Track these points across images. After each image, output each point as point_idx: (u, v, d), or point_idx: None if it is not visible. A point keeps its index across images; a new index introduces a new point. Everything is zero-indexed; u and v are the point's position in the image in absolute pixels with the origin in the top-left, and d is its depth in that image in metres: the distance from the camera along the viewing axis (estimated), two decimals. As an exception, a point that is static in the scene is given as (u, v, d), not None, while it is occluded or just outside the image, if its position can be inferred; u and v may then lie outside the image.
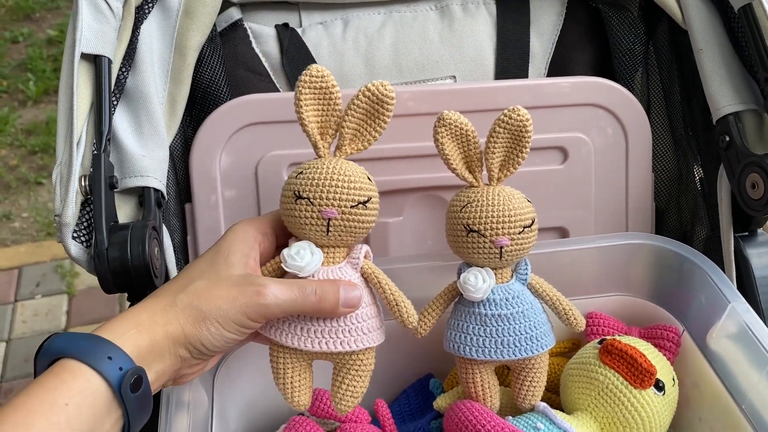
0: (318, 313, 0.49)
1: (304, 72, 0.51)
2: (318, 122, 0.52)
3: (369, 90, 0.51)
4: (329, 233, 0.50)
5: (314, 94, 0.51)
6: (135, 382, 0.41)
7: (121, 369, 0.41)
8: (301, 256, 0.50)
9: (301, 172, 0.51)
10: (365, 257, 0.53)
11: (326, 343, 0.50)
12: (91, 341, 0.42)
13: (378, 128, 0.52)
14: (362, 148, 0.53)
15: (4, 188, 2.09)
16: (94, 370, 0.40)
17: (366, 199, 0.50)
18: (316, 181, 0.49)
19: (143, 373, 0.42)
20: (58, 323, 1.73)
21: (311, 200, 0.49)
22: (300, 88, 0.51)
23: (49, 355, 0.42)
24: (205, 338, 0.45)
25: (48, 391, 0.39)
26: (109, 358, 0.41)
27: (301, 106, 0.51)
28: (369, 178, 0.52)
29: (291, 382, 0.52)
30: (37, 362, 0.42)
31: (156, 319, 0.44)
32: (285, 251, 0.50)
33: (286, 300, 0.47)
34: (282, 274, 0.52)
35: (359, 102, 0.51)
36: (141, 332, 0.43)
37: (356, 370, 0.52)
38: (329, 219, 0.49)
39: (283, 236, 0.53)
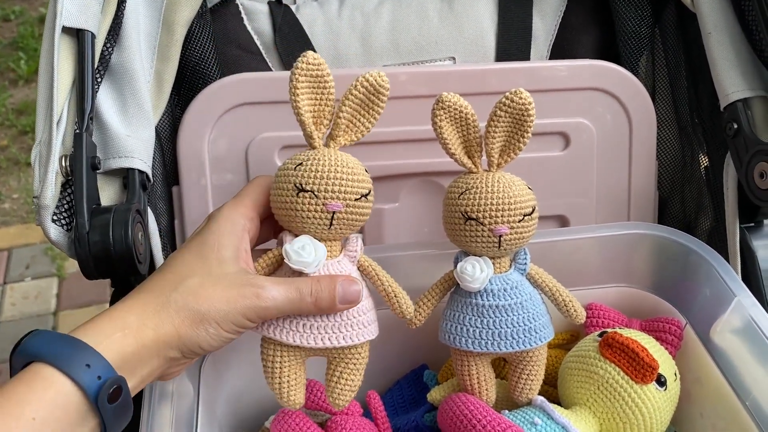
0: (317, 312, 0.48)
1: (299, 59, 0.48)
2: (313, 111, 0.50)
3: (367, 80, 0.50)
4: (332, 227, 0.48)
5: (310, 82, 0.49)
6: (114, 392, 0.39)
7: (99, 378, 0.38)
8: (308, 252, 0.48)
9: (301, 164, 0.48)
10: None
11: (329, 339, 0.49)
12: (70, 345, 0.39)
13: (371, 119, 0.51)
14: (355, 138, 0.51)
15: (-6, 168, 2.06)
16: (69, 379, 0.38)
17: (367, 191, 0.50)
18: (320, 173, 0.48)
19: (123, 383, 0.40)
20: (47, 306, 1.71)
21: (315, 193, 0.47)
22: (296, 76, 0.49)
23: (24, 356, 0.39)
24: (203, 339, 0.43)
25: (16, 403, 0.37)
26: (88, 365, 0.38)
27: (297, 95, 0.49)
28: (366, 170, 0.51)
29: (287, 381, 0.51)
30: (13, 360, 0.39)
31: (146, 322, 0.42)
32: (288, 247, 0.48)
33: (284, 302, 0.46)
34: (276, 267, 0.50)
35: (356, 93, 0.50)
36: (127, 336, 0.41)
37: (354, 364, 0.51)
38: (333, 212, 0.48)
39: (265, 215, 0.51)
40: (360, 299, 0.49)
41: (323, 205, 0.47)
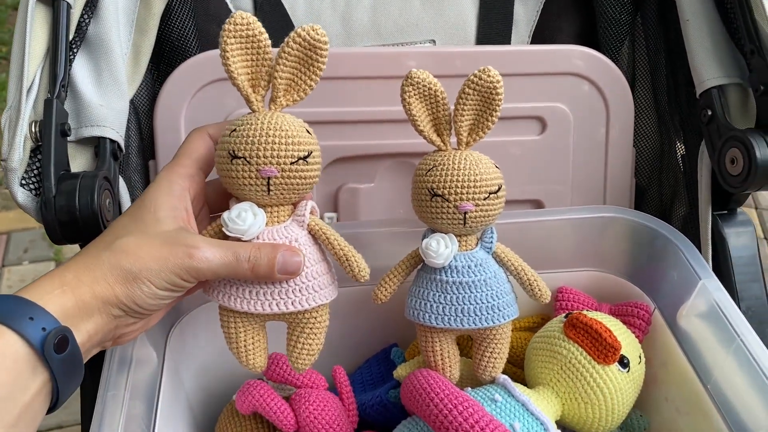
0: (254, 278, 0.47)
1: (227, 20, 0.46)
2: (248, 74, 0.48)
3: (299, 35, 0.47)
4: (270, 192, 0.47)
5: (241, 43, 0.47)
6: (59, 342, 0.39)
7: (44, 329, 0.39)
8: (243, 218, 0.47)
9: (235, 129, 0.47)
10: (311, 213, 0.50)
11: (277, 305, 0.48)
12: (12, 302, 0.39)
13: (313, 76, 0.48)
14: (298, 99, 0.49)
15: (-4, 153, 2.07)
16: (13, 332, 0.38)
17: (306, 153, 0.47)
18: (251, 138, 0.46)
19: (69, 333, 0.40)
20: (43, 289, 1.71)
21: (248, 159, 0.46)
22: (224, 38, 0.46)
23: None
24: (138, 297, 0.43)
25: None
26: (31, 318, 0.39)
27: (228, 58, 0.47)
28: (308, 131, 0.48)
29: (245, 346, 0.51)
30: None
31: (82, 278, 0.42)
32: (225, 215, 0.48)
33: (219, 265, 0.45)
34: (225, 236, 0.50)
35: (290, 49, 0.47)
36: (66, 292, 0.41)
37: (311, 328, 0.50)
38: (269, 178, 0.46)
39: (209, 169, 0.50)
40: (300, 271, 0.48)
41: (257, 171, 0.46)
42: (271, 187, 0.47)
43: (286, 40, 0.48)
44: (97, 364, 0.51)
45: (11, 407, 0.38)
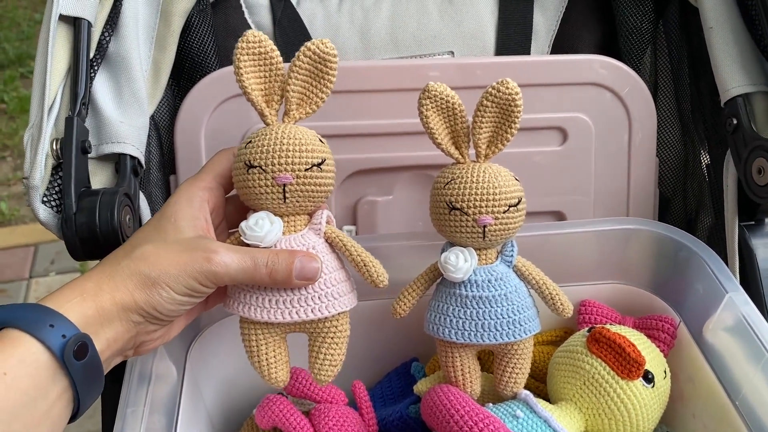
0: (271, 284, 0.47)
1: (240, 39, 0.49)
2: (262, 89, 0.50)
3: (309, 50, 0.49)
4: (286, 200, 0.48)
5: (254, 60, 0.49)
6: (79, 348, 0.40)
7: (64, 336, 0.40)
8: (260, 226, 0.48)
9: (250, 141, 0.49)
10: (327, 222, 0.51)
11: (297, 312, 0.48)
12: (34, 310, 0.40)
13: (324, 89, 0.50)
14: (310, 111, 0.50)
15: (25, 166, 2.11)
16: (35, 339, 0.39)
17: (320, 160, 0.48)
18: (266, 147, 0.48)
19: (88, 340, 0.41)
20: (69, 300, 1.74)
21: (263, 168, 0.47)
22: (238, 56, 0.49)
23: None
24: (158, 303, 0.44)
25: None
26: (51, 326, 0.39)
27: (242, 74, 0.49)
28: (321, 140, 0.50)
29: (266, 359, 0.51)
30: None
31: (102, 286, 0.43)
32: (243, 223, 0.48)
33: (237, 269, 0.46)
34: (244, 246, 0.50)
35: (300, 63, 0.49)
36: (86, 299, 0.42)
37: (332, 338, 0.50)
38: (284, 185, 0.48)
39: (230, 186, 0.51)
40: (318, 277, 0.48)
41: (272, 178, 0.47)
42: (287, 195, 0.48)
43: (296, 54, 0.49)
44: (118, 378, 0.51)
45: (32, 413, 0.39)
